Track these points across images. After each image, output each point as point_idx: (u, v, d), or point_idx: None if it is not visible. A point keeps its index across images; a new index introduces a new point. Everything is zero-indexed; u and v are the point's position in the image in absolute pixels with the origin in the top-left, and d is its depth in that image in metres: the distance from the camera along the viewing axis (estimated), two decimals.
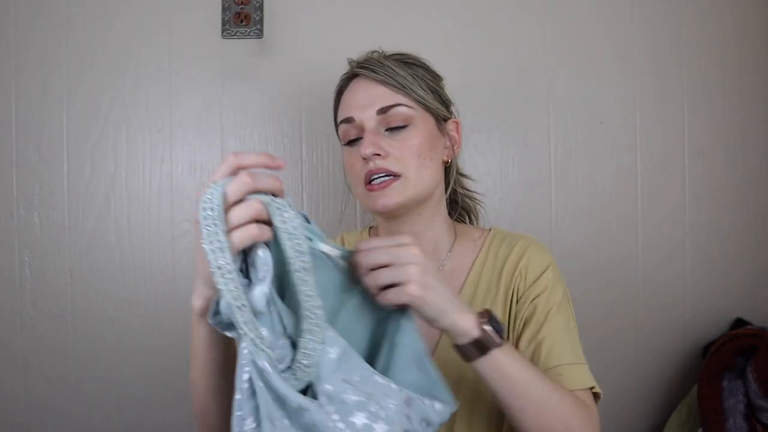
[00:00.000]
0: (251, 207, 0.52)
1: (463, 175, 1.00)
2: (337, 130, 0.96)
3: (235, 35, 1.25)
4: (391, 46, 0.97)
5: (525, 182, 1.35)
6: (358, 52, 0.97)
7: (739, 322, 1.36)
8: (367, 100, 0.86)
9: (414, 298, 0.63)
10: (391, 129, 0.85)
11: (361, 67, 0.89)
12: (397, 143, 0.84)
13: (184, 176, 1.31)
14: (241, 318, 0.52)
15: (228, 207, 0.52)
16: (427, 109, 0.88)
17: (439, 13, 1.33)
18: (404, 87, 0.86)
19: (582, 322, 1.33)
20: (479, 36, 1.34)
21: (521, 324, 0.85)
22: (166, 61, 1.30)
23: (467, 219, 1.04)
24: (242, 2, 1.25)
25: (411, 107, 0.86)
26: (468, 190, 1.01)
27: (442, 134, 0.91)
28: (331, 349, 0.58)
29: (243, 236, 0.52)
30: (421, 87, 0.88)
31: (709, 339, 1.36)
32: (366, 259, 0.63)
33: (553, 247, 1.34)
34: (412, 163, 0.84)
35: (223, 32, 1.25)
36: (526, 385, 0.70)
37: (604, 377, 1.36)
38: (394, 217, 0.88)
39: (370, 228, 1.03)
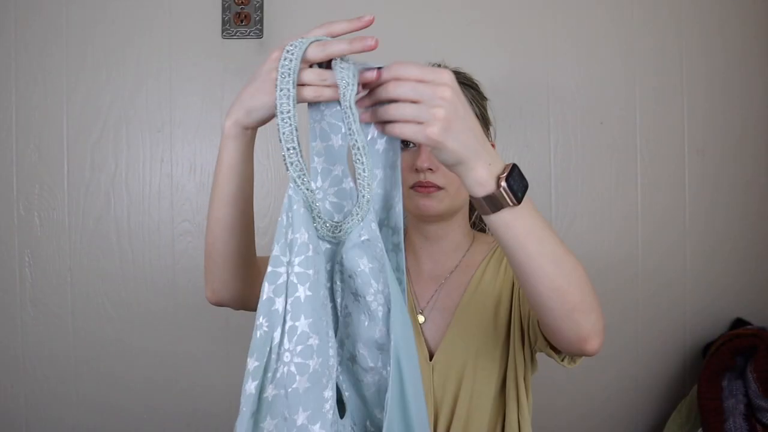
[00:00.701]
0: (323, 74, 0.62)
1: None
2: None
3: (235, 35, 1.25)
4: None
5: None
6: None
7: (739, 322, 1.36)
8: None
9: (431, 141, 0.58)
10: None
11: None
12: (406, 157, 0.91)
13: (184, 176, 1.31)
14: (289, 158, 0.59)
15: (305, 63, 0.61)
16: None
17: (439, 14, 1.33)
18: None
19: None
20: (479, 36, 1.34)
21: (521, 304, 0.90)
22: (166, 62, 1.30)
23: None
24: (242, 2, 1.25)
25: None
26: None
27: None
28: (363, 232, 0.62)
29: (309, 92, 0.62)
30: (477, 109, 0.94)
31: (709, 339, 1.36)
32: (393, 90, 0.59)
33: None
34: (456, 181, 0.90)
35: (223, 32, 1.25)
36: (540, 246, 0.65)
37: (604, 377, 1.37)
38: (425, 219, 0.95)
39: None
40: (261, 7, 1.25)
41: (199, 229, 1.31)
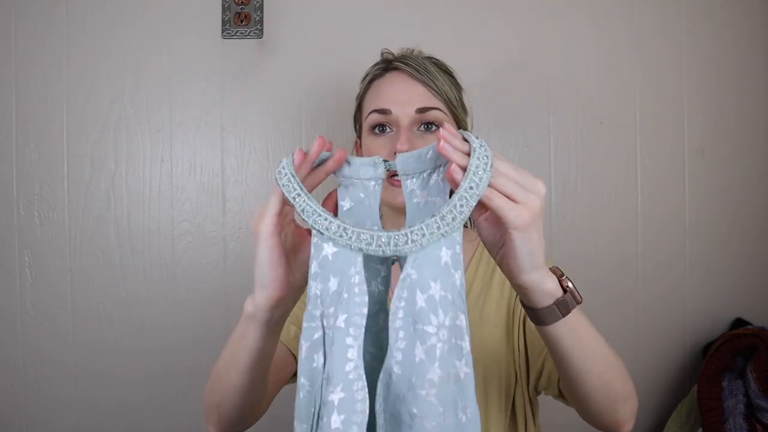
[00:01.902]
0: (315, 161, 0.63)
1: None
2: (358, 117, 0.97)
3: (235, 35, 1.25)
4: (390, 46, 0.97)
5: None
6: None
7: (738, 322, 1.36)
8: (407, 97, 0.87)
9: (521, 222, 0.55)
10: (424, 130, 0.88)
11: (404, 63, 0.90)
12: (428, 144, 0.86)
13: (184, 176, 1.31)
14: (314, 224, 0.56)
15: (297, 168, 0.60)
16: (456, 117, 0.91)
17: (438, 14, 1.33)
18: (443, 92, 0.89)
19: None
20: (479, 36, 1.34)
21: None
22: (166, 61, 1.30)
23: (469, 220, 1.05)
24: (242, 2, 1.25)
25: (445, 113, 0.89)
26: None
27: None
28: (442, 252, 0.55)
29: (315, 178, 0.62)
30: (455, 96, 0.91)
31: (709, 339, 1.37)
32: (496, 181, 0.55)
33: (553, 247, 1.34)
34: None
35: (223, 32, 1.25)
36: (596, 345, 0.65)
37: None
38: (404, 213, 0.88)
39: None
40: (261, 7, 1.25)
41: (199, 229, 1.31)
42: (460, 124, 0.92)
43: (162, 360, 1.30)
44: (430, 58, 0.94)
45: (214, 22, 1.27)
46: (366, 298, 0.55)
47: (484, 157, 0.55)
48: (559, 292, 0.61)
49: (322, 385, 0.54)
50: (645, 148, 1.37)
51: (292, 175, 0.58)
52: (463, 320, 0.54)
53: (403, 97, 0.88)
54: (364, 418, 0.53)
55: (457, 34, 1.33)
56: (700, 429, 1.24)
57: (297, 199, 0.57)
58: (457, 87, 0.94)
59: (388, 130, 0.88)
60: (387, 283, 0.62)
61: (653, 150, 1.38)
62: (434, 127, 0.87)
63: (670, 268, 1.38)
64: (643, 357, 1.38)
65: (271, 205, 0.59)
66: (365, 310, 0.54)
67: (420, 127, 0.88)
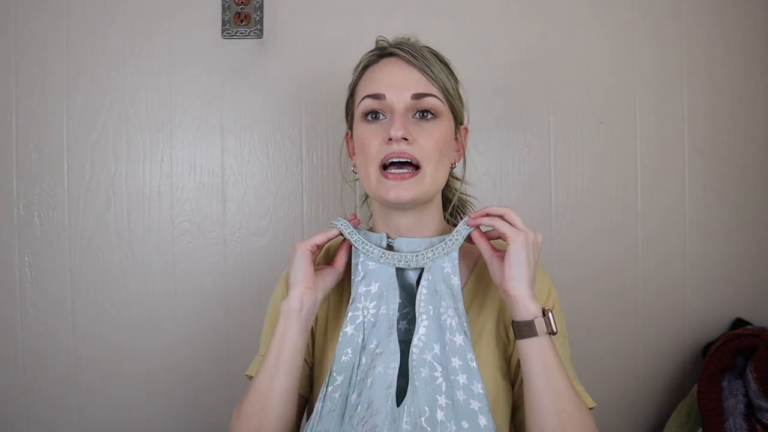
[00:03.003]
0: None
1: (456, 178, 0.99)
2: (349, 106, 0.94)
3: (235, 35, 1.25)
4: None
5: (525, 182, 1.35)
6: (357, 52, 0.96)
7: (739, 322, 1.36)
8: (402, 82, 0.84)
9: (520, 239, 0.79)
10: (419, 117, 0.85)
11: (399, 49, 0.87)
12: (425, 132, 0.83)
13: (184, 176, 1.31)
14: (360, 247, 0.88)
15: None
16: (452, 108, 0.88)
17: (438, 13, 1.33)
18: (439, 80, 0.86)
19: (581, 323, 1.33)
20: (479, 36, 1.34)
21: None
22: (166, 61, 1.30)
23: (460, 218, 1.03)
24: (242, 2, 1.25)
25: (441, 101, 0.86)
26: (460, 192, 1.00)
27: (455, 137, 0.91)
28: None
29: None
30: (451, 85, 0.88)
31: (709, 339, 1.37)
32: (507, 216, 0.83)
33: (552, 247, 1.34)
34: (433, 156, 0.83)
35: (223, 32, 1.25)
36: (560, 378, 0.78)
37: (604, 377, 1.37)
38: (397, 208, 0.87)
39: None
40: (261, 7, 1.25)
41: (199, 229, 1.31)
42: (457, 115, 0.90)
43: (162, 360, 1.31)
44: (426, 47, 0.90)
45: (214, 22, 1.27)
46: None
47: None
48: (539, 314, 0.79)
49: (360, 353, 0.82)
50: (645, 148, 1.37)
51: (349, 222, 0.90)
52: (473, 361, 0.80)
53: (398, 82, 0.84)
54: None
55: (458, 35, 1.33)
56: (700, 429, 1.24)
57: (352, 235, 0.88)
58: (454, 78, 0.91)
59: (381, 117, 0.85)
60: (412, 323, 0.86)
61: (653, 150, 1.38)
62: (430, 115, 0.84)
63: (670, 268, 1.38)
64: (643, 357, 1.38)
65: (318, 237, 0.87)
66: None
67: (415, 114, 0.85)
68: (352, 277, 0.86)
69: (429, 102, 0.84)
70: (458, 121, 0.91)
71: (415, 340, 0.80)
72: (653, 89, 1.38)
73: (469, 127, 0.96)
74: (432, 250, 0.84)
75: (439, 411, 0.76)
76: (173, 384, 1.31)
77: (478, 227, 0.85)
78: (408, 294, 0.87)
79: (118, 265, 1.30)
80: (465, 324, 0.81)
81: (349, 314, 0.83)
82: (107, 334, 1.29)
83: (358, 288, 0.85)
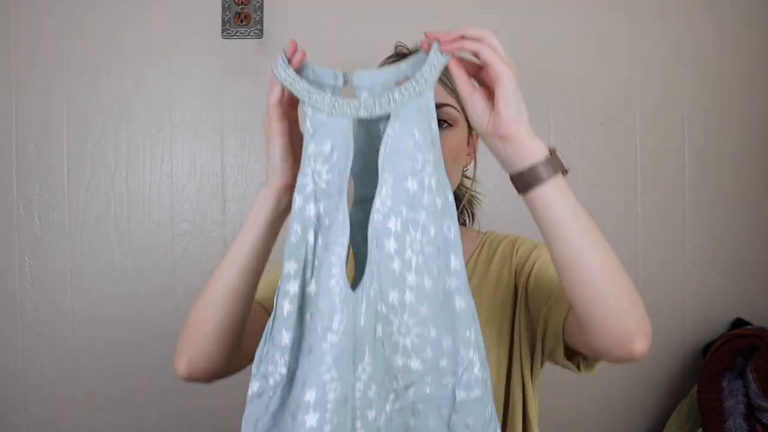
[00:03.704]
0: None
1: (467, 177, 1.02)
2: None
3: (235, 35, 1.25)
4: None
5: None
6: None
7: (739, 322, 1.36)
8: None
9: (511, 72, 0.66)
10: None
11: None
12: (441, 140, 0.86)
13: (184, 176, 1.31)
14: (305, 98, 0.68)
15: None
16: (466, 116, 0.88)
17: (438, 14, 1.33)
18: (456, 91, 0.88)
19: None
20: None
21: (525, 280, 0.86)
22: (166, 61, 1.30)
23: (468, 215, 1.06)
24: (242, 2, 1.25)
25: (457, 110, 0.88)
26: (469, 189, 1.03)
27: (468, 142, 0.94)
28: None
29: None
30: None
31: (709, 339, 1.36)
32: (491, 42, 0.66)
33: None
34: (448, 162, 0.83)
35: (223, 32, 1.25)
36: (590, 218, 0.66)
37: (604, 377, 1.36)
38: None
39: None
40: (261, 7, 1.25)
41: (199, 229, 1.31)
42: (468, 124, 0.91)
43: (162, 359, 1.30)
44: None
45: (214, 22, 1.27)
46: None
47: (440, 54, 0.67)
48: (546, 153, 0.66)
49: (313, 230, 0.65)
50: (645, 148, 1.37)
51: (287, 66, 0.69)
52: (453, 231, 0.63)
53: None
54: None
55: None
56: (700, 429, 1.24)
57: (293, 84, 0.68)
58: None
59: None
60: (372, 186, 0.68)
61: (653, 150, 1.38)
62: (446, 124, 0.87)
63: (670, 268, 1.38)
64: None
65: (272, 95, 0.69)
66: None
67: None
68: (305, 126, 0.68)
69: (446, 112, 0.87)
70: (471, 126, 0.90)
71: (377, 204, 0.63)
72: (653, 89, 1.38)
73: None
74: (400, 91, 0.66)
75: (408, 292, 0.61)
76: (173, 383, 1.30)
77: (456, 57, 0.69)
78: (372, 150, 0.71)
79: (118, 265, 1.30)
80: (445, 181, 0.65)
81: (298, 182, 0.66)
82: (107, 333, 1.29)
83: (308, 147, 0.66)
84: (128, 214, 1.30)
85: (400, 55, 0.93)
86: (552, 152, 0.66)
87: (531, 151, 0.65)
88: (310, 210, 0.65)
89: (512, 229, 1.08)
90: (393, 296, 0.61)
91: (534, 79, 1.36)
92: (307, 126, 0.67)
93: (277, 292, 0.65)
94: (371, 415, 0.61)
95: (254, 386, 0.65)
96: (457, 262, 0.63)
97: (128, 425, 1.30)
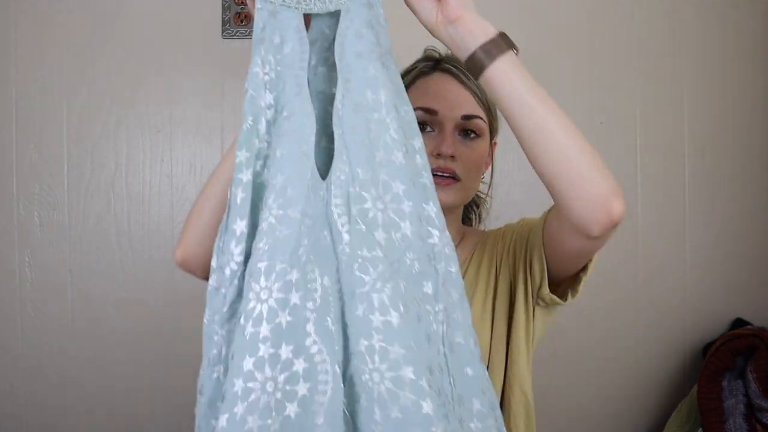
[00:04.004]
0: None
1: (482, 182, 1.08)
2: None
3: (235, 35, 1.25)
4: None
5: (525, 182, 1.35)
6: None
7: (739, 322, 1.36)
8: (455, 102, 0.91)
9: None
10: (463, 135, 0.92)
11: (454, 67, 0.93)
12: (468, 150, 0.91)
13: (184, 176, 1.31)
14: None
15: None
16: (490, 128, 0.96)
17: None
18: (485, 102, 0.93)
19: (581, 323, 1.33)
20: None
21: (508, 245, 0.90)
22: (166, 61, 1.30)
23: (474, 214, 1.11)
24: (242, 2, 1.25)
25: (484, 122, 0.93)
26: (486, 194, 1.09)
27: (488, 151, 0.99)
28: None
29: None
30: (493, 108, 0.95)
31: (709, 339, 1.36)
32: None
33: None
34: (472, 171, 0.92)
35: (223, 32, 1.25)
36: (545, 94, 0.69)
37: (604, 377, 1.37)
38: (450, 211, 0.94)
39: None
40: None
41: None
42: (493, 133, 0.97)
43: (162, 359, 1.30)
44: None
45: (214, 22, 1.27)
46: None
47: None
48: (495, 32, 0.67)
49: (264, 119, 0.64)
50: (645, 148, 1.37)
51: None
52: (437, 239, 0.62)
53: (451, 100, 0.91)
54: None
55: None
56: (700, 429, 1.24)
57: None
58: None
59: (429, 129, 0.91)
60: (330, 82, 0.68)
61: (653, 150, 1.38)
62: (473, 134, 0.91)
63: (670, 268, 1.38)
64: (643, 357, 1.38)
65: None
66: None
67: (460, 132, 0.91)
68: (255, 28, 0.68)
69: (475, 123, 0.91)
70: (492, 135, 0.98)
71: (338, 96, 0.63)
72: (653, 89, 1.38)
73: (497, 141, 1.02)
74: None
75: (380, 169, 0.61)
76: (173, 383, 1.31)
77: None
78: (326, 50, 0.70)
79: (118, 265, 1.30)
80: (393, 68, 0.65)
81: (249, 72, 0.66)
82: (107, 333, 1.29)
83: (257, 38, 0.67)
84: (128, 214, 1.30)
85: (430, 59, 0.97)
86: (502, 34, 0.68)
87: (482, 31, 0.67)
88: (262, 99, 0.65)
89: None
90: (364, 175, 0.60)
91: (534, 79, 1.36)
92: (256, 19, 0.66)
93: (231, 183, 0.64)
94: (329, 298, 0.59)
95: (212, 281, 0.65)
96: (418, 141, 0.63)
97: (128, 424, 1.30)
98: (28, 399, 1.29)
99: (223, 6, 1.25)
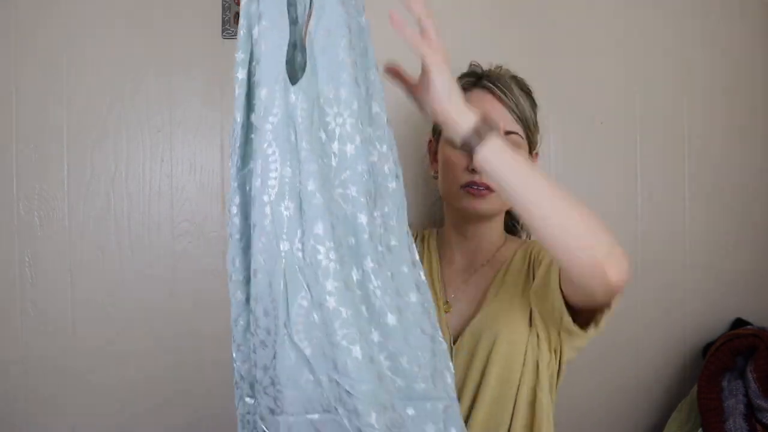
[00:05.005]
0: None
1: None
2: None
3: (235, 35, 1.25)
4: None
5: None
6: None
7: (739, 322, 1.36)
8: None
9: (443, 59, 0.72)
10: None
11: (493, 85, 0.99)
12: None
13: (184, 176, 1.31)
14: None
15: None
16: (529, 141, 1.00)
17: (437, 14, 1.33)
18: (523, 119, 0.98)
19: None
20: (478, 35, 1.34)
21: (539, 303, 0.93)
22: (166, 61, 1.30)
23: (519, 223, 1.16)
24: None
25: (521, 137, 0.98)
26: None
27: None
28: None
29: None
30: (533, 119, 1.00)
31: (709, 339, 1.36)
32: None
33: None
34: None
35: (223, 32, 1.25)
36: (536, 173, 0.72)
37: (604, 377, 1.37)
38: (469, 220, 1.01)
39: (436, 230, 1.14)
40: None
41: (199, 229, 1.31)
42: (533, 147, 1.01)
43: (162, 360, 1.30)
44: (514, 78, 1.02)
45: (214, 22, 1.27)
46: None
47: None
48: (473, 123, 0.71)
49: (258, 27, 0.68)
50: (645, 148, 1.37)
51: None
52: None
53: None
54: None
55: (456, 33, 1.33)
56: (700, 429, 1.24)
57: None
58: (534, 107, 1.02)
59: None
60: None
61: (653, 150, 1.38)
62: None
63: (670, 268, 1.38)
64: (643, 357, 1.38)
65: None
66: None
67: None
68: None
69: (512, 139, 0.96)
70: (532, 148, 1.02)
71: (313, 21, 0.70)
72: (653, 89, 1.38)
73: (539, 152, 1.06)
74: None
75: (341, 89, 0.68)
76: (173, 383, 1.31)
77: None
78: None
79: (118, 265, 1.30)
80: None
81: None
82: (107, 334, 1.29)
83: None
84: (128, 215, 1.30)
85: (472, 75, 1.03)
86: (483, 119, 0.72)
87: (464, 120, 0.71)
88: (253, 7, 0.69)
89: None
90: (330, 92, 0.68)
91: (534, 79, 1.36)
92: None
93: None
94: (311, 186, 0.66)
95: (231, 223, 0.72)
96: (371, 49, 0.73)
97: (128, 424, 1.30)
98: (27, 399, 1.29)
99: (223, 6, 1.25)
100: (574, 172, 1.36)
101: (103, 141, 1.30)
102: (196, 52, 1.30)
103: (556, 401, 1.00)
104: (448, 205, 1.05)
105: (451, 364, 0.71)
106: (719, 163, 1.39)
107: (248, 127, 0.70)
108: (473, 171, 0.92)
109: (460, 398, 0.90)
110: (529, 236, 1.17)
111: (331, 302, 0.64)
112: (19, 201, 1.29)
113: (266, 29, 0.68)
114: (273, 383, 0.66)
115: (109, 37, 1.29)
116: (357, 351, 0.63)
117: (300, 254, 0.65)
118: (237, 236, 0.71)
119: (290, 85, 0.67)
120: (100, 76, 1.29)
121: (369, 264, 0.67)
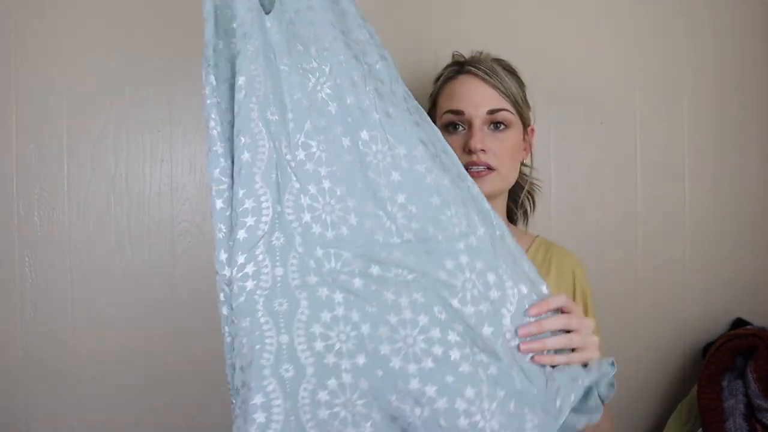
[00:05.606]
0: None
1: (525, 165, 1.13)
2: (432, 113, 1.07)
3: None
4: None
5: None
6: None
7: (739, 322, 1.36)
8: (479, 99, 0.99)
9: (594, 360, 0.81)
10: (493, 128, 0.99)
11: (475, 67, 1.01)
12: (498, 142, 0.98)
13: (184, 176, 1.31)
14: None
15: None
16: (521, 116, 1.03)
17: (438, 14, 1.33)
18: (510, 95, 1.00)
19: None
20: (477, 36, 1.34)
21: None
22: (166, 61, 1.30)
23: (529, 202, 1.18)
24: None
25: (512, 113, 1.00)
26: (529, 176, 1.14)
27: (524, 138, 1.05)
28: None
29: None
30: (520, 95, 1.02)
31: (709, 339, 1.37)
32: (559, 322, 0.79)
33: None
34: (506, 161, 0.99)
35: None
36: None
37: None
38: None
39: None
40: None
41: (199, 229, 1.31)
42: (525, 122, 1.03)
43: (162, 360, 1.31)
44: (497, 60, 1.05)
45: None
46: None
47: None
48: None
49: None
50: (645, 148, 1.37)
51: None
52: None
53: (475, 99, 0.98)
54: None
55: (456, 35, 1.33)
56: (700, 429, 1.24)
57: None
58: (521, 85, 1.05)
59: (460, 127, 0.99)
60: None
61: (653, 150, 1.38)
62: (502, 126, 0.98)
63: (670, 269, 1.38)
64: (643, 357, 1.38)
65: None
66: None
67: (490, 126, 0.98)
68: None
69: (502, 116, 0.99)
70: (526, 124, 1.05)
71: None
72: (653, 89, 1.38)
73: (535, 127, 1.08)
74: None
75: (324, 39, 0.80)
76: (173, 383, 1.31)
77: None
78: None
79: (118, 265, 1.30)
80: None
81: None
82: (107, 334, 1.29)
83: None
84: (128, 214, 1.30)
85: (455, 64, 1.04)
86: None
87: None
88: None
89: (558, 233, 1.09)
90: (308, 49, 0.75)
91: (534, 79, 1.36)
92: None
93: None
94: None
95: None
96: (364, 34, 0.78)
97: (128, 425, 1.30)
98: (28, 399, 1.29)
99: None
100: (574, 172, 1.36)
101: (103, 141, 1.30)
102: (196, 52, 1.30)
103: None
104: None
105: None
106: (719, 163, 1.40)
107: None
108: (470, 152, 0.95)
109: None
110: (526, 224, 1.18)
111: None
112: (19, 201, 1.29)
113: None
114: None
115: (109, 37, 1.30)
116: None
117: (287, 156, 0.74)
118: (224, 231, 0.78)
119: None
120: (100, 76, 1.29)
121: (365, 135, 0.74)
